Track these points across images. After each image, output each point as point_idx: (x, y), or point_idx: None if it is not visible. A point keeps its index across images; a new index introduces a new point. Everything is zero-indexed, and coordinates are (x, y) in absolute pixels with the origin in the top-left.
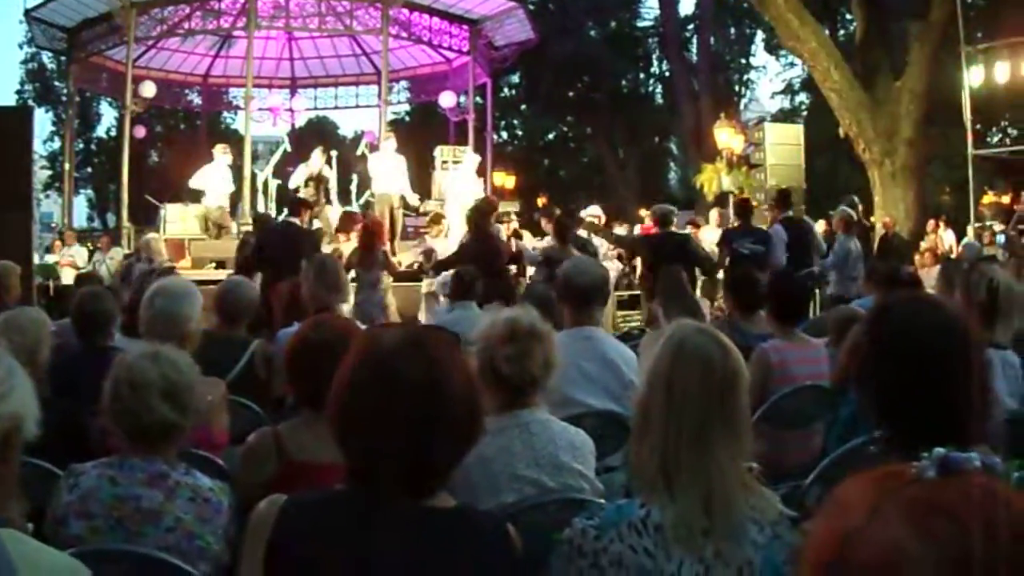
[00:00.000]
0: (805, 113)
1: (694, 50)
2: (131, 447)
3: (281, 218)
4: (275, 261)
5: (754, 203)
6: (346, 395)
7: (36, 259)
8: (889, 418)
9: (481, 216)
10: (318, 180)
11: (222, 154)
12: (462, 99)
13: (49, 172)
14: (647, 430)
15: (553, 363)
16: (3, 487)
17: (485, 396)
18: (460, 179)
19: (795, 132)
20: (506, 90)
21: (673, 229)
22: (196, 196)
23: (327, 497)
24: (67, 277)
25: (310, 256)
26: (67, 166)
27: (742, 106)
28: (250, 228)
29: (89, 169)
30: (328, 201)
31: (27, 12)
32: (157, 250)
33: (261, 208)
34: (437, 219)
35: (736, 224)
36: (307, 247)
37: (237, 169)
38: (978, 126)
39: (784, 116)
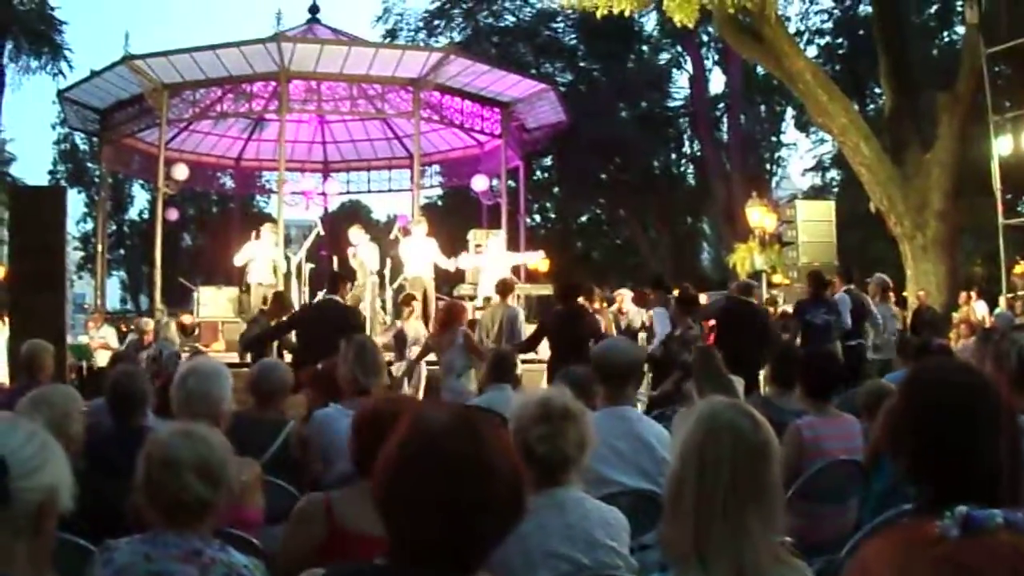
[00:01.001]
0: (836, 189)
1: (725, 129)
2: (165, 523)
3: (321, 295)
4: (312, 339)
5: (786, 281)
6: (392, 471)
7: (69, 339)
8: (922, 482)
9: (569, 293)
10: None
11: (271, 232)
12: (495, 182)
13: (82, 253)
14: (679, 503)
15: (588, 442)
16: (38, 560)
17: None
18: (493, 259)
19: (826, 208)
20: (538, 172)
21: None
22: (230, 279)
23: (366, 570)
24: (100, 358)
25: (352, 334)
26: (100, 247)
27: (773, 184)
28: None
29: (122, 251)
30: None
31: (60, 93)
32: (170, 336)
33: (295, 292)
34: (408, 300)
35: (809, 296)
36: (351, 324)
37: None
38: (1008, 195)
39: (815, 193)
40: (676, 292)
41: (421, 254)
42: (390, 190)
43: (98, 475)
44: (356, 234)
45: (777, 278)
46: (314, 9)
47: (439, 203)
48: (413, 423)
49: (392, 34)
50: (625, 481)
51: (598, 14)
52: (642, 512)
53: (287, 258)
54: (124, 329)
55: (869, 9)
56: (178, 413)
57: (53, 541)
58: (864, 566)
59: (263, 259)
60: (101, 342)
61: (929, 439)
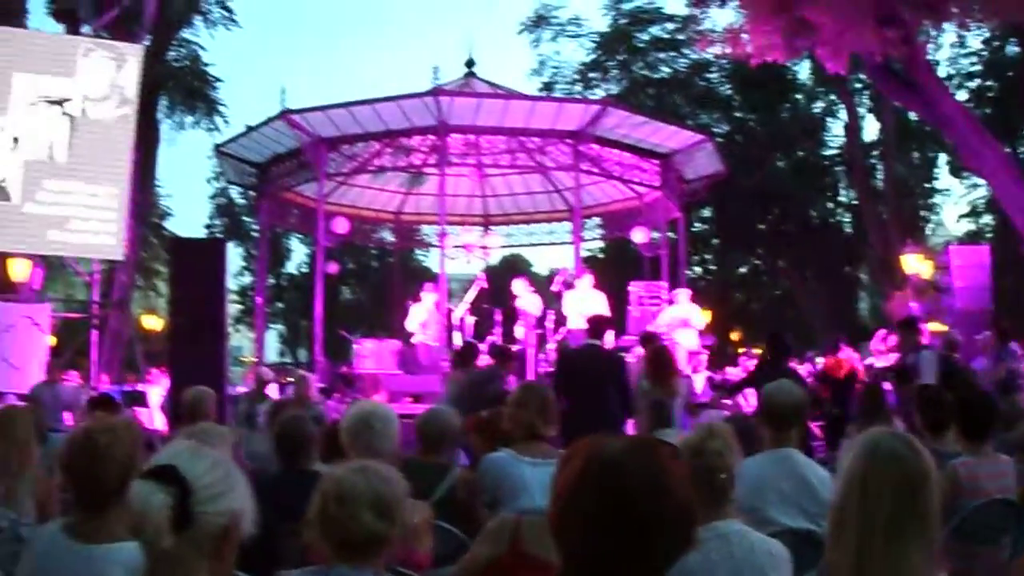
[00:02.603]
0: (990, 234)
1: (879, 176)
2: (338, 558)
3: (586, 341)
4: (579, 385)
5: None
6: (568, 495)
7: (229, 390)
8: None
9: (781, 346)
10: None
11: (430, 293)
12: (655, 234)
13: (239, 306)
14: (842, 530)
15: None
16: None
17: None
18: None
19: (981, 254)
20: (697, 223)
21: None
22: (390, 332)
23: None
24: None
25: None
26: (259, 300)
27: (928, 231)
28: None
29: (280, 304)
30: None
31: (217, 148)
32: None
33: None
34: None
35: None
36: (618, 369)
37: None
38: None
39: (970, 238)
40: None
41: (587, 307)
42: (551, 243)
43: (263, 517)
44: (519, 286)
45: (933, 326)
46: (471, 63)
47: (600, 255)
48: (588, 452)
49: (548, 87)
50: (787, 522)
51: (752, 63)
52: (803, 552)
53: (449, 311)
54: (282, 381)
55: (1017, 50)
56: (348, 456)
57: (233, 566)
58: None
59: (425, 316)
60: None
61: None
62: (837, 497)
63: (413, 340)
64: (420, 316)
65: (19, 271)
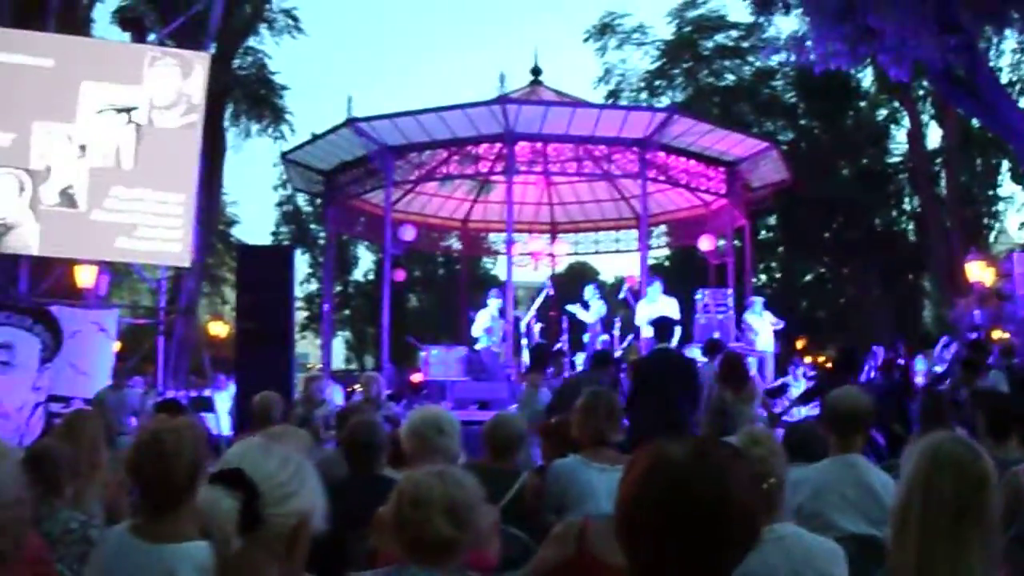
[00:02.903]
0: None
1: (943, 184)
2: (410, 559)
3: (659, 345)
4: (650, 389)
5: (1005, 335)
6: (632, 502)
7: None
8: None
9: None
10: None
11: (494, 299)
12: (721, 242)
13: (306, 313)
14: (904, 533)
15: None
16: None
17: None
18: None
19: None
20: (763, 231)
21: None
22: (456, 339)
23: None
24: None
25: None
26: (326, 307)
27: (992, 238)
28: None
29: (347, 311)
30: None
31: (284, 155)
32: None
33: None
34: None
35: None
36: (688, 372)
37: (500, 313)
38: None
39: None
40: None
41: (658, 313)
42: (617, 251)
43: (332, 520)
44: (588, 293)
45: (997, 333)
46: (537, 71)
47: (666, 263)
48: (651, 456)
49: (614, 95)
50: (851, 527)
51: (816, 70)
52: (867, 557)
53: (516, 319)
54: (349, 388)
55: None
56: (411, 461)
57: (303, 567)
58: None
59: (491, 323)
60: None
61: None
62: (899, 500)
63: (478, 346)
64: (485, 322)
65: (85, 277)
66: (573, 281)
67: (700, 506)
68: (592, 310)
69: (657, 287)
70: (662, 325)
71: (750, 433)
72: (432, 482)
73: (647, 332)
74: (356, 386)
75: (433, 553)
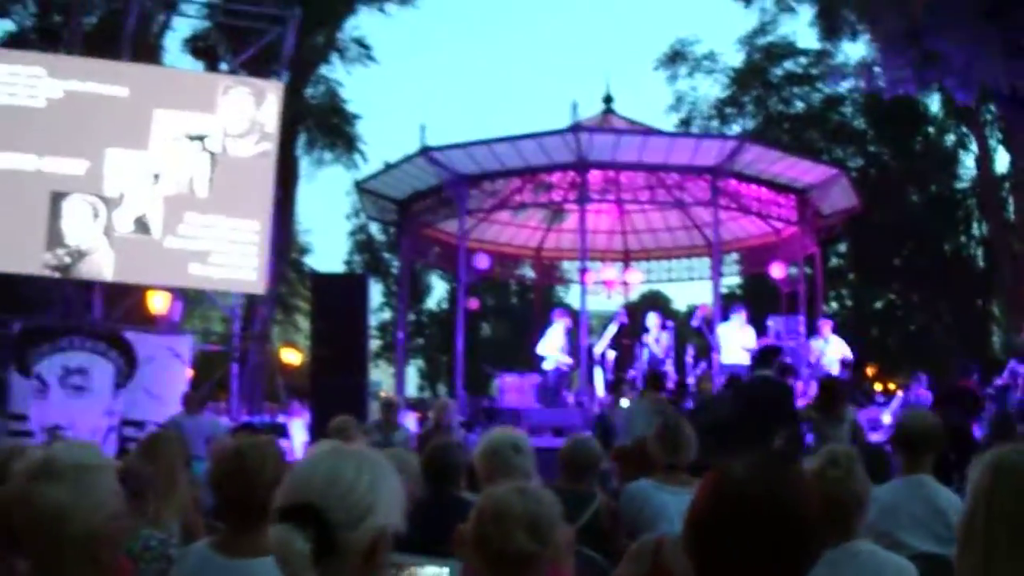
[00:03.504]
0: None
1: (1011, 209)
2: (490, 574)
3: (760, 372)
4: (749, 415)
5: None
6: (697, 518)
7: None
8: None
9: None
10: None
11: (560, 320)
12: (792, 269)
13: (379, 342)
14: (969, 546)
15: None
16: None
17: None
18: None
19: None
20: (833, 258)
21: None
22: (530, 367)
23: None
24: None
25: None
26: (399, 335)
27: None
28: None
29: (420, 340)
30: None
31: (358, 184)
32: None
33: (597, 380)
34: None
35: None
36: (786, 398)
37: (567, 333)
38: None
39: None
40: None
41: (739, 342)
42: (690, 279)
43: (410, 540)
44: (651, 320)
45: None
46: (608, 99)
47: (738, 291)
48: (720, 471)
49: (686, 123)
50: (919, 546)
51: (884, 96)
52: (934, 574)
53: (590, 347)
54: (420, 416)
55: None
56: (487, 481)
57: (384, 571)
58: None
59: (556, 347)
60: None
61: None
62: (964, 513)
63: (544, 365)
64: (552, 342)
65: (158, 304)
66: (645, 310)
67: (758, 519)
68: (655, 339)
69: (742, 315)
70: (766, 352)
71: (830, 453)
72: (513, 497)
73: (732, 357)
74: (429, 412)
75: (514, 568)
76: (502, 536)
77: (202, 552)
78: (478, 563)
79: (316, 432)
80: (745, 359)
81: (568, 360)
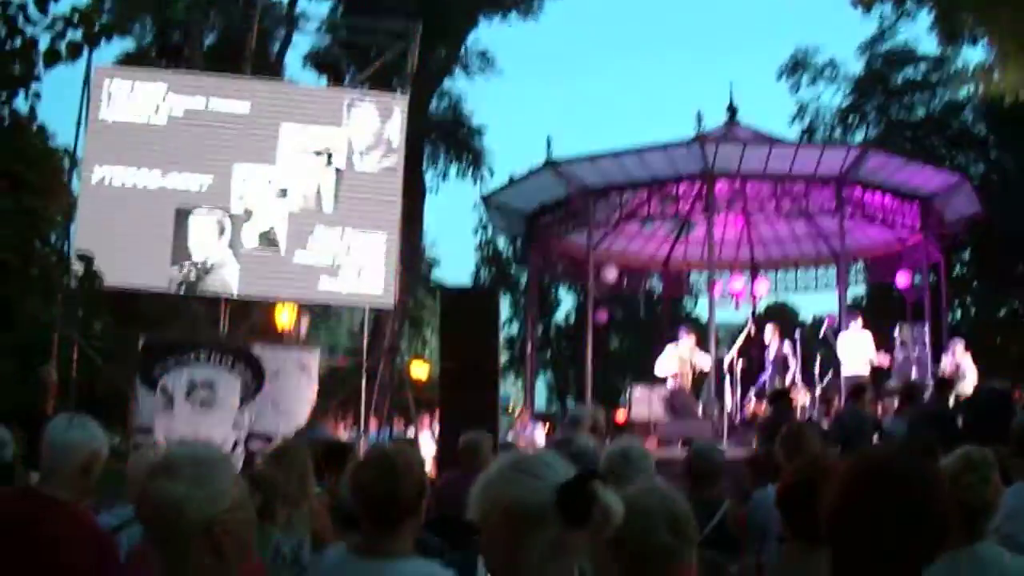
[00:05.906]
0: None
1: None
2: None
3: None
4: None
5: None
6: (841, 491)
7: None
8: None
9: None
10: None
11: (687, 335)
12: (917, 278)
13: (505, 356)
14: None
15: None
16: None
17: None
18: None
19: None
20: (957, 266)
21: None
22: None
23: None
24: None
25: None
26: (528, 348)
27: None
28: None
29: (548, 354)
30: (793, 383)
31: (484, 198)
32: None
33: (727, 392)
34: (857, 391)
35: None
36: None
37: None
38: None
39: None
40: None
41: (858, 350)
42: (816, 288)
43: None
44: (768, 332)
45: None
46: (732, 109)
47: (863, 301)
48: (861, 456)
49: (809, 132)
50: None
51: (1006, 101)
52: None
53: (719, 359)
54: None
55: None
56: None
57: None
58: None
59: (682, 361)
60: (527, 440)
61: None
62: None
63: (669, 385)
64: (676, 358)
65: (285, 319)
66: (772, 321)
67: (890, 497)
68: (770, 350)
69: (858, 322)
70: (856, 389)
71: (966, 456)
72: (650, 495)
73: (851, 367)
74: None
75: (655, 564)
76: (644, 532)
77: (341, 554)
78: (613, 563)
79: (446, 447)
80: (866, 370)
81: (688, 373)
